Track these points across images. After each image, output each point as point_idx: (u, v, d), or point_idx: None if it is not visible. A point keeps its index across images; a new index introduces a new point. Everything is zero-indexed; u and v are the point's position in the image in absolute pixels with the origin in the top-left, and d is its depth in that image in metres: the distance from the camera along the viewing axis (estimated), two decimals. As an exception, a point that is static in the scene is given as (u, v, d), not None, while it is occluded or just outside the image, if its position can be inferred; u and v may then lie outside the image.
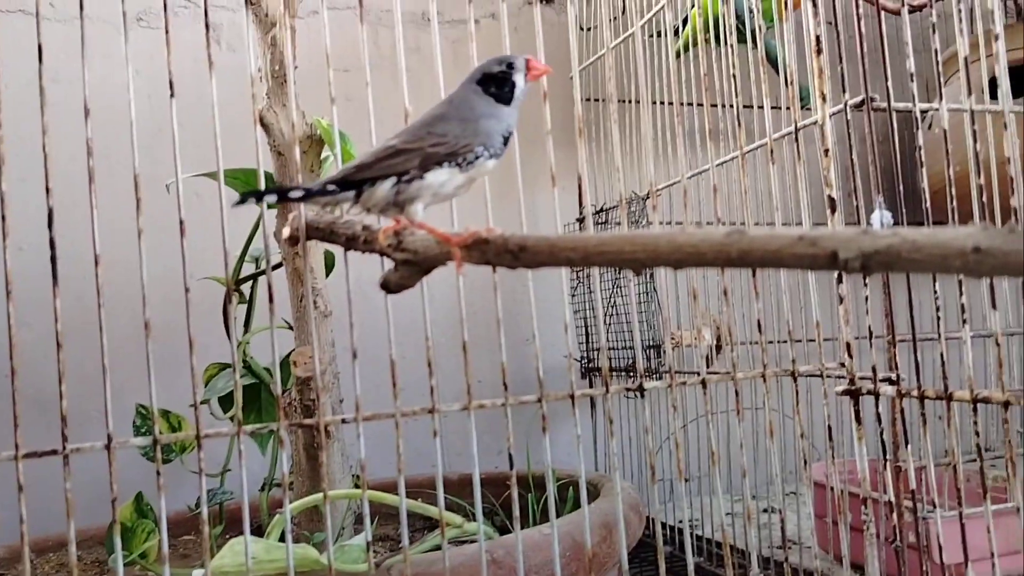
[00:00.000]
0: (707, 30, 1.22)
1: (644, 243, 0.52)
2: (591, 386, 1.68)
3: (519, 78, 0.71)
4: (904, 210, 0.86)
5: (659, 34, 1.50)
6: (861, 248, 0.43)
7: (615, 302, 1.53)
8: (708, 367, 1.37)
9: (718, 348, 1.38)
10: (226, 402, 1.22)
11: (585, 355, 1.69)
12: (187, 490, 1.16)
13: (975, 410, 0.79)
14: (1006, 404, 0.76)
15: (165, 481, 0.70)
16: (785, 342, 0.95)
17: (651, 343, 1.49)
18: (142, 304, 0.70)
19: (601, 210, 1.63)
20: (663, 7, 1.42)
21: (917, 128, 0.86)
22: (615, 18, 1.64)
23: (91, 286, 0.67)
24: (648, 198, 1.42)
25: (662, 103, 1.46)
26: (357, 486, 1.10)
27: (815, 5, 0.96)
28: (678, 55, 1.56)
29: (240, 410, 0.73)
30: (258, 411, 1.22)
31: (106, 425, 0.68)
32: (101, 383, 0.68)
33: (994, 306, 0.77)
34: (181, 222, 0.72)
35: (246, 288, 1.25)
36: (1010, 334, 1.34)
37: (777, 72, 1.13)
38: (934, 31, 0.83)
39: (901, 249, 0.42)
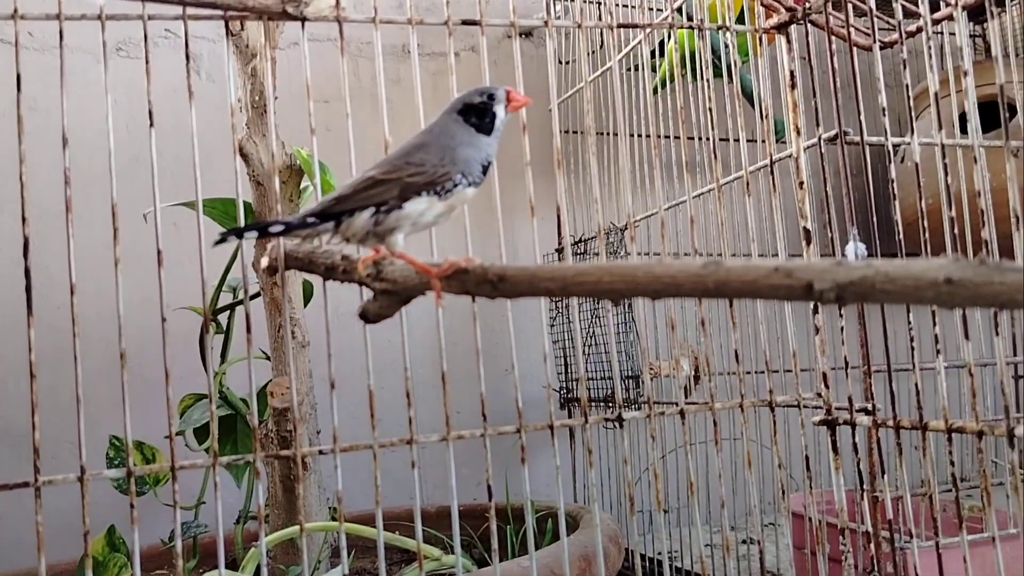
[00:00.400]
0: (683, 65, 1.24)
1: (622, 274, 0.52)
2: (570, 416, 1.68)
3: (499, 109, 0.71)
4: (878, 242, 0.87)
5: (636, 68, 1.52)
6: (836, 279, 0.43)
7: (594, 332, 1.53)
8: (686, 397, 1.38)
9: (696, 378, 1.39)
10: (201, 433, 1.21)
11: (564, 385, 1.69)
12: (160, 523, 1.14)
13: (950, 440, 0.80)
14: (980, 434, 0.76)
15: (137, 514, 0.69)
16: (762, 372, 0.96)
17: (630, 373, 1.49)
18: (118, 334, 0.69)
19: (580, 241, 1.64)
20: (640, 42, 1.44)
21: (890, 161, 0.87)
22: (593, 52, 1.66)
23: (64, 316, 0.67)
24: (626, 229, 1.43)
25: (640, 136, 1.48)
26: (334, 518, 1.08)
27: (789, 41, 0.98)
28: (655, 91, 1.58)
29: (216, 441, 0.72)
30: (234, 442, 1.20)
31: (79, 456, 0.68)
32: (72, 414, 0.67)
33: (967, 337, 0.78)
34: (159, 252, 0.72)
35: (223, 318, 1.24)
36: (983, 364, 1.35)
37: (752, 106, 1.14)
38: (905, 67, 0.85)
39: (875, 280, 0.42)
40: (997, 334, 0.78)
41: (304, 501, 0.85)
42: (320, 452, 0.77)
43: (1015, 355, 1.42)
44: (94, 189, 1.47)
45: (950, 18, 0.87)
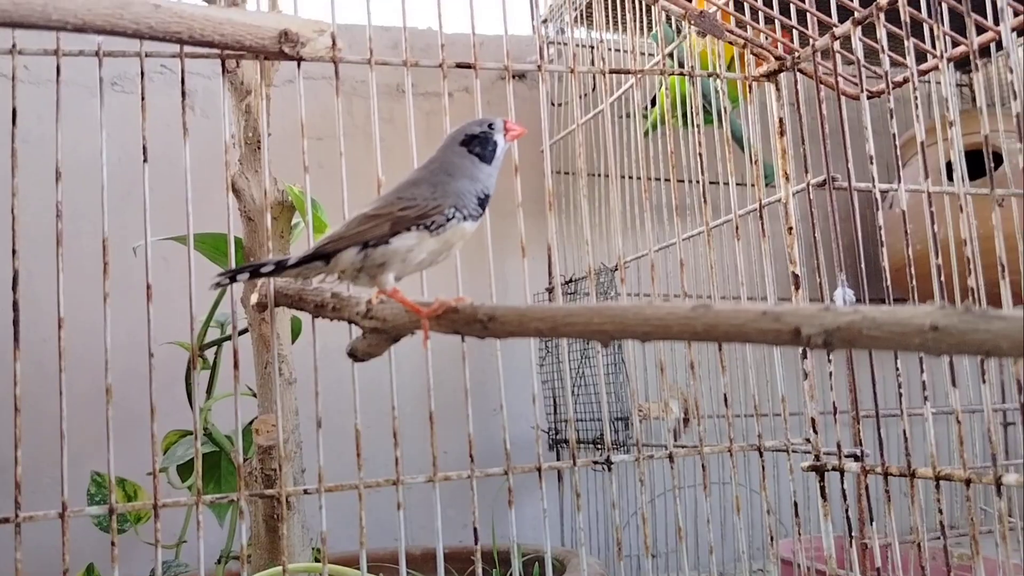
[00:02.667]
0: (675, 110, 1.26)
1: (612, 315, 0.53)
2: (558, 458, 1.66)
3: (499, 137, 0.71)
4: (866, 287, 0.88)
5: (628, 115, 1.54)
6: (823, 325, 0.44)
7: (583, 373, 1.53)
8: (675, 440, 1.37)
9: (685, 421, 1.38)
10: (184, 471, 1.19)
11: (553, 426, 1.68)
12: (140, 562, 1.12)
13: (938, 487, 0.80)
14: (968, 482, 0.76)
15: (118, 552, 0.68)
16: (751, 416, 0.95)
17: (619, 415, 1.48)
18: (104, 368, 0.69)
19: (570, 280, 1.64)
20: (632, 86, 1.46)
21: (877, 208, 0.88)
22: (585, 95, 1.68)
23: (50, 350, 0.66)
24: (616, 270, 1.44)
25: (630, 178, 1.49)
26: (317, 559, 1.07)
27: (778, 88, 1.00)
28: (646, 134, 1.60)
29: (200, 479, 0.71)
30: (217, 480, 1.19)
31: (61, 492, 0.67)
32: (53, 448, 0.66)
33: (954, 384, 0.78)
34: (148, 286, 0.72)
35: (209, 354, 1.23)
36: (970, 411, 1.35)
37: (742, 151, 1.16)
38: (892, 116, 0.86)
39: (862, 326, 0.42)
40: (984, 381, 0.78)
41: (287, 541, 0.84)
42: (305, 491, 0.76)
43: (1002, 402, 1.43)
44: (84, 222, 1.47)
45: (936, 68, 0.89)
